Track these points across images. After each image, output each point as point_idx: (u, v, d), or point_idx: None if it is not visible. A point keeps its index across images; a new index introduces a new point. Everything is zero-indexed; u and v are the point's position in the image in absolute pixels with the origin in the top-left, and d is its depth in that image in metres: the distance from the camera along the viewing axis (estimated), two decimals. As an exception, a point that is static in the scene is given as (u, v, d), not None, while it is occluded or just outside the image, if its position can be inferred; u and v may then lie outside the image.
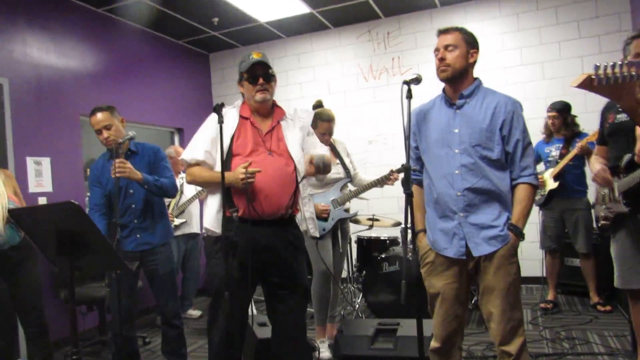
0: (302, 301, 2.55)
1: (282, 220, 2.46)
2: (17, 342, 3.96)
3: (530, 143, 2.23)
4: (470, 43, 2.26)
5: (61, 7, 4.74)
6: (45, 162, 4.41)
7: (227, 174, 2.26)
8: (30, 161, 4.28)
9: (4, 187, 2.99)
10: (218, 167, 2.39)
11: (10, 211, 2.49)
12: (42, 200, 4.26)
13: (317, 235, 2.65)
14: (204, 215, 2.48)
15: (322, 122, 3.65)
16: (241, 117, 2.48)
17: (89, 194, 3.35)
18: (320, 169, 2.53)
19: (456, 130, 2.23)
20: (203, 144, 2.45)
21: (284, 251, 2.45)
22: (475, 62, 2.28)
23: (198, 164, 2.46)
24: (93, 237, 1.99)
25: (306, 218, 2.60)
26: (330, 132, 3.69)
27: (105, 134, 3.13)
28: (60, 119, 4.57)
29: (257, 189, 2.34)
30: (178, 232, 4.76)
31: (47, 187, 4.40)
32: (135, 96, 5.56)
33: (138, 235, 3.17)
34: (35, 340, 3.11)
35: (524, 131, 2.21)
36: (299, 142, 2.54)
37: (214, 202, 2.43)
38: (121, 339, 3.14)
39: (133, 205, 3.16)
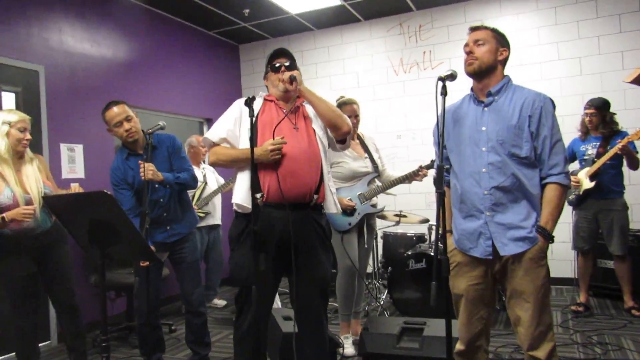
0: (323, 292, 2.53)
1: (307, 205, 2.44)
2: (47, 324, 4.07)
3: (559, 140, 2.15)
4: (501, 41, 2.24)
5: (96, -3, 4.80)
6: (78, 148, 4.49)
7: (257, 149, 2.29)
8: (64, 147, 4.36)
9: (39, 173, 3.04)
10: (242, 146, 2.43)
11: (44, 198, 2.53)
12: (74, 187, 4.34)
13: (335, 211, 2.59)
14: (235, 191, 2.45)
15: (346, 106, 3.65)
16: (266, 100, 2.54)
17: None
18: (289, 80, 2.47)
19: (483, 128, 2.19)
20: (226, 123, 2.48)
21: (308, 239, 2.44)
22: (505, 60, 2.24)
23: (221, 143, 2.49)
24: (124, 227, 2.01)
25: (332, 193, 2.56)
26: (355, 114, 3.64)
27: (126, 125, 3.08)
28: (94, 106, 4.63)
29: (284, 166, 2.35)
30: (202, 224, 4.80)
31: (80, 173, 4.48)
32: (165, 86, 5.61)
33: (168, 227, 3.20)
34: (66, 321, 3.15)
35: (553, 127, 2.13)
36: (320, 125, 2.55)
37: (243, 179, 2.41)
38: (148, 327, 3.20)
39: (161, 200, 3.19)
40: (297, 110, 2.53)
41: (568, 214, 4.29)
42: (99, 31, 4.81)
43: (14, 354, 3.22)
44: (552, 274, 2.23)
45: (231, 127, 2.46)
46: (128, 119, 3.10)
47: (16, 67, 3.99)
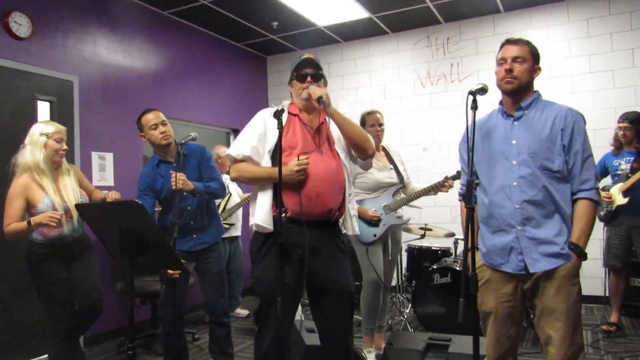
0: (347, 306, 2.49)
1: (328, 222, 2.43)
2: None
3: (591, 156, 2.13)
4: (536, 59, 2.22)
5: (130, 10, 4.93)
6: (109, 157, 4.59)
7: (277, 169, 2.22)
8: (95, 156, 4.46)
9: (75, 183, 3.12)
10: (264, 164, 2.39)
11: (77, 206, 2.58)
12: (112, 194, 4.43)
13: (358, 233, 2.56)
14: (255, 212, 2.39)
15: (369, 115, 3.67)
16: (290, 114, 2.48)
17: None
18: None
19: (514, 142, 2.16)
20: (249, 140, 2.40)
21: (329, 254, 2.42)
22: (535, 74, 2.23)
23: (244, 159, 2.41)
24: (154, 237, 2.04)
25: (351, 215, 2.52)
26: (379, 123, 3.66)
27: (162, 127, 3.19)
28: (124, 116, 4.74)
29: (308, 188, 2.32)
30: (225, 235, 4.84)
31: (109, 181, 4.58)
32: (194, 96, 5.70)
33: (194, 236, 3.23)
34: (84, 322, 3.13)
35: (585, 143, 2.11)
36: (343, 146, 2.51)
37: (265, 199, 2.36)
38: (172, 335, 3.22)
39: (189, 207, 3.22)
40: (320, 127, 2.48)
41: (599, 230, 4.18)
42: (132, 43, 4.93)
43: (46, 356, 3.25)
44: (583, 292, 2.15)
45: (255, 143, 2.39)
46: (164, 123, 3.22)
47: (52, 78, 4.11)
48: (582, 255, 2.07)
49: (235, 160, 2.43)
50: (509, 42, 2.22)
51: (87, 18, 4.48)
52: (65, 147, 3.07)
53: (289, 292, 2.31)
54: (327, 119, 2.46)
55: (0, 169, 3.68)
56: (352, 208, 2.53)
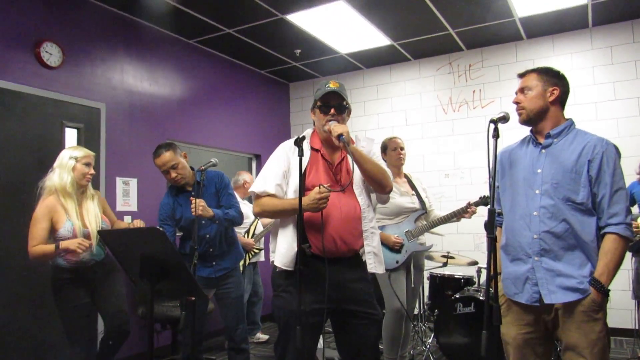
0: (377, 334, 2.45)
1: (351, 257, 2.41)
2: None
3: (621, 189, 2.04)
4: (549, 81, 2.17)
5: (157, 39, 5.07)
6: (133, 182, 4.67)
7: (304, 199, 2.20)
8: (119, 181, 4.54)
9: (98, 209, 3.19)
10: (289, 197, 2.36)
11: (100, 232, 2.63)
12: (127, 219, 4.49)
13: (379, 271, 2.48)
14: (276, 251, 2.37)
15: (390, 141, 3.70)
16: (312, 149, 2.42)
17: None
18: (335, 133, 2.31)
19: (539, 171, 2.14)
20: (275, 178, 2.35)
21: (355, 284, 2.39)
22: (558, 99, 2.17)
23: (267, 195, 2.37)
24: (174, 263, 2.05)
25: (366, 252, 2.45)
26: (400, 147, 3.68)
27: (172, 174, 3.20)
28: (149, 142, 4.83)
29: (332, 229, 2.29)
30: (254, 259, 4.87)
31: (133, 206, 4.64)
32: (217, 122, 5.79)
33: (214, 263, 3.25)
34: (113, 344, 3.15)
35: (615, 175, 2.03)
36: (361, 184, 2.46)
37: (285, 239, 2.33)
38: (192, 361, 3.22)
39: (207, 235, 3.25)
40: (341, 163, 2.44)
41: (627, 261, 4.06)
42: (158, 70, 5.06)
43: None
44: (611, 324, 2.08)
45: (279, 181, 2.35)
46: (174, 167, 3.20)
47: (79, 105, 4.23)
48: (603, 292, 1.98)
49: (258, 196, 2.38)
50: (518, 75, 2.27)
51: (115, 47, 4.62)
52: (92, 171, 3.16)
53: (309, 322, 2.27)
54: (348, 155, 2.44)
55: (28, 193, 3.78)
56: (368, 245, 2.43)
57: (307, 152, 2.38)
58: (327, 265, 2.25)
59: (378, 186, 2.44)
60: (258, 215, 2.49)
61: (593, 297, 1.98)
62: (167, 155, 3.19)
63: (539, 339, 2.13)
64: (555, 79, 2.18)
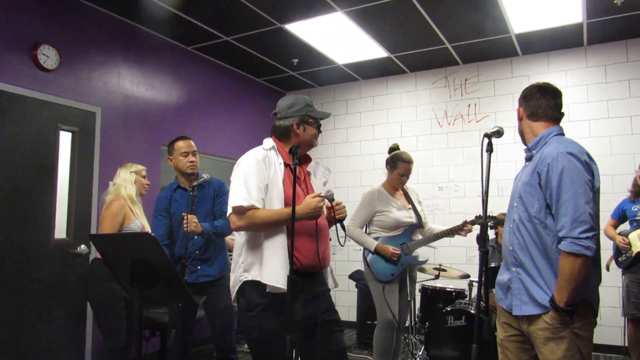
0: (343, 337, 2.49)
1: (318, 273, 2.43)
2: (82, 343, 4.12)
3: (569, 200, 1.90)
4: (519, 103, 2.30)
5: (155, 44, 5.08)
6: (126, 187, 4.64)
7: (297, 207, 2.16)
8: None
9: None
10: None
11: (90, 236, 2.63)
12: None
13: (333, 286, 2.51)
14: (265, 270, 2.21)
15: (403, 163, 3.64)
16: (284, 164, 2.40)
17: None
18: (331, 200, 2.34)
19: (519, 183, 2.20)
20: (259, 192, 2.25)
21: (327, 294, 2.44)
22: (524, 115, 2.24)
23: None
24: (165, 269, 2.04)
25: (329, 267, 2.50)
26: (408, 174, 3.67)
27: (191, 157, 3.39)
28: (144, 147, 4.83)
29: (320, 242, 2.32)
30: None
31: (125, 211, 4.61)
32: (213, 129, 5.79)
33: (198, 267, 3.26)
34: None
35: (560, 186, 1.93)
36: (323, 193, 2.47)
37: (274, 257, 2.21)
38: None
39: (195, 237, 3.25)
40: (306, 177, 2.51)
41: (618, 278, 4.08)
42: (155, 76, 5.06)
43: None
44: (600, 341, 2.09)
45: (263, 195, 2.26)
46: (194, 153, 3.42)
47: (75, 108, 4.21)
48: (558, 310, 1.91)
49: (244, 209, 2.22)
50: None
51: (113, 51, 4.62)
52: (148, 182, 3.68)
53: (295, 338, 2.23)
54: (311, 172, 2.52)
55: (22, 194, 3.76)
56: (332, 260, 2.55)
57: (280, 165, 2.37)
58: (306, 280, 2.28)
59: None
60: (245, 228, 2.26)
61: (551, 314, 1.95)
62: (189, 141, 3.46)
63: (521, 343, 2.14)
64: (519, 100, 2.30)
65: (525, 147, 2.28)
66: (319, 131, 2.50)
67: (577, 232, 1.88)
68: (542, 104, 2.19)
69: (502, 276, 2.21)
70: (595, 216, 1.95)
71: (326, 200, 2.32)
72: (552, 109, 2.19)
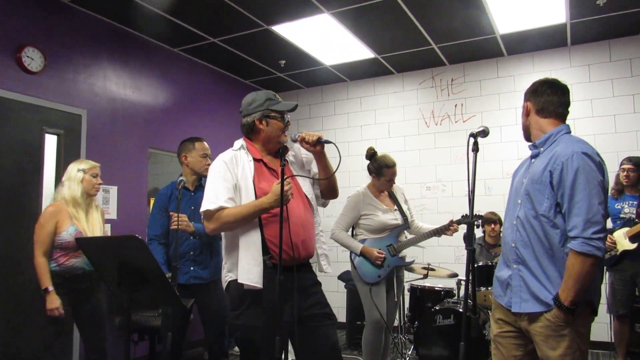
0: (335, 331, 2.45)
1: (305, 265, 2.43)
2: (70, 346, 4.08)
3: (583, 200, 1.92)
4: (525, 98, 2.28)
5: (141, 46, 5.05)
6: (113, 190, 4.61)
7: (262, 199, 2.21)
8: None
9: (101, 219, 3.30)
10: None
11: (77, 239, 2.60)
12: (107, 227, 4.43)
13: (330, 271, 2.54)
14: (239, 267, 2.22)
15: (389, 169, 3.62)
16: (254, 159, 2.40)
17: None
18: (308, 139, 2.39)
19: (525, 180, 2.17)
20: (226, 192, 2.26)
21: (314, 288, 2.42)
22: (533, 111, 2.22)
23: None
24: (152, 272, 2.03)
25: (319, 255, 2.48)
26: (395, 177, 3.68)
27: (209, 160, 3.39)
28: (130, 150, 4.79)
29: (293, 234, 2.27)
30: None
31: (112, 214, 4.58)
32: (200, 131, 5.73)
33: (192, 268, 3.25)
34: None
35: (574, 186, 1.93)
36: (307, 180, 2.52)
37: (247, 254, 2.23)
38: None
39: (191, 237, 3.24)
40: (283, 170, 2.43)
41: (603, 275, 4.13)
42: (141, 78, 5.03)
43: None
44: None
45: (231, 195, 2.27)
46: (210, 156, 3.42)
47: (60, 111, 4.18)
48: (563, 309, 1.92)
49: (212, 213, 2.25)
50: None
51: (98, 53, 4.59)
52: (100, 181, 3.28)
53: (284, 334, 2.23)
54: (288, 157, 2.47)
55: (8, 198, 3.72)
56: (319, 247, 2.49)
57: (249, 162, 2.37)
58: (288, 274, 2.24)
59: (332, 193, 2.56)
60: (217, 231, 2.30)
61: (554, 312, 1.96)
62: (206, 144, 3.51)
63: (515, 339, 2.15)
64: (527, 95, 2.26)
65: (529, 143, 2.26)
66: (286, 124, 2.46)
67: (590, 233, 1.89)
68: (554, 100, 2.18)
69: (501, 272, 2.19)
70: (605, 217, 1.98)
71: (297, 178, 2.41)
72: (563, 106, 2.18)
